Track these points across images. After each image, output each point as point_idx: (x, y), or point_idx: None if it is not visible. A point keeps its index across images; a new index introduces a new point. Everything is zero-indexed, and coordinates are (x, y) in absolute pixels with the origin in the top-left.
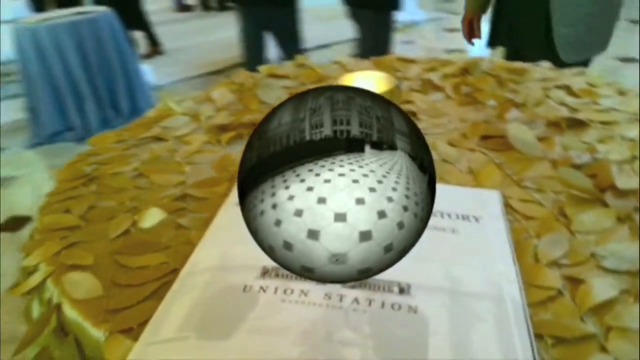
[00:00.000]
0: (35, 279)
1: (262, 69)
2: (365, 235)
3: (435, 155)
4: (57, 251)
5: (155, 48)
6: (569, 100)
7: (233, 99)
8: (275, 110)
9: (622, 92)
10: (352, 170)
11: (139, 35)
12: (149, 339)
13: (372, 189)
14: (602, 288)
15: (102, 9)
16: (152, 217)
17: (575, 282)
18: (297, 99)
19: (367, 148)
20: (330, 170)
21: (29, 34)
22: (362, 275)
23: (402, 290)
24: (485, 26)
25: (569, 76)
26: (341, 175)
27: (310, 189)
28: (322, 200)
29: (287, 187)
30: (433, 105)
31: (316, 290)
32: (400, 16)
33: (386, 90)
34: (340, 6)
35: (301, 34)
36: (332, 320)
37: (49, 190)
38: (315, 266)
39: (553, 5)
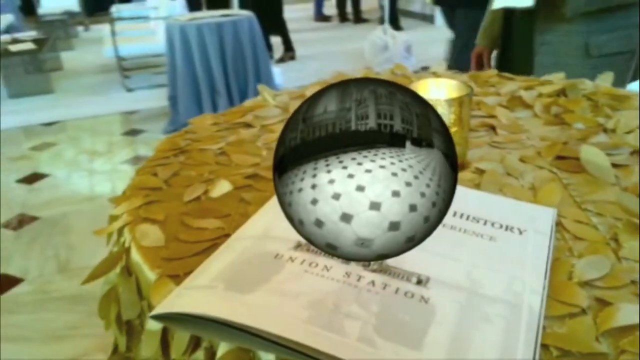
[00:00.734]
0: (116, 225)
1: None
2: (394, 226)
3: (500, 169)
4: (138, 206)
5: (289, 53)
6: None
7: None
8: (320, 97)
9: None
10: (392, 163)
11: (276, 40)
12: (187, 285)
13: (408, 184)
14: (628, 313)
15: (245, 13)
16: (221, 188)
17: (603, 304)
18: (341, 88)
19: (408, 144)
20: (372, 161)
21: (178, 30)
22: (377, 258)
23: (419, 282)
24: None
25: None
26: (382, 167)
27: (351, 176)
28: (360, 188)
29: (329, 171)
30: (515, 122)
31: (338, 268)
32: None
33: (456, 96)
34: None
35: None
36: (343, 295)
37: None
38: (340, 245)
39: None
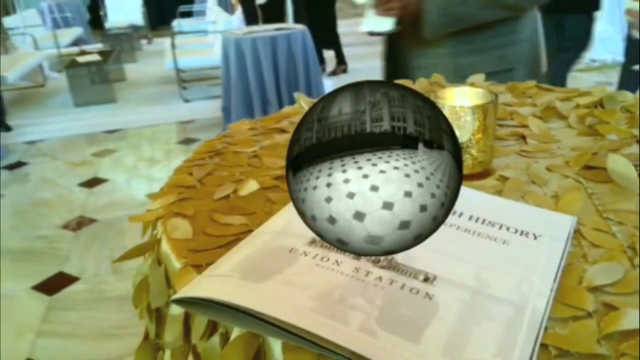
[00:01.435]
0: (150, 217)
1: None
2: (404, 225)
3: (524, 176)
4: (172, 202)
5: (341, 67)
6: None
7: None
8: (334, 98)
9: None
10: (405, 165)
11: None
12: (207, 274)
13: (420, 185)
14: (632, 318)
15: (299, 27)
16: (249, 187)
17: (610, 308)
18: (354, 91)
19: (421, 146)
20: (387, 162)
21: (233, 44)
22: (385, 254)
23: (426, 279)
24: None
25: None
26: (396, 168)
27: (365, 176)
28: (374, 188)
29: (344, 171)
30: (547, 132)
31: (348, 263)
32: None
33: (479, 104)
34: None
35: None
36: (350, 288)
37: None
38: (350, 241)
39: None
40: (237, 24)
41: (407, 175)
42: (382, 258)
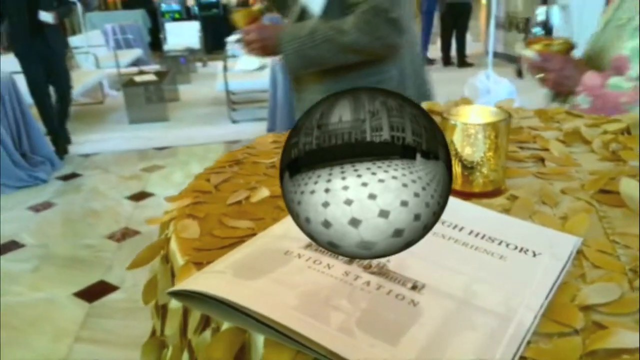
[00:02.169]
0: (165, 218)
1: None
2: (398, 233)
3: (536, 197)
4: (187, 205)
5: None
6: None
7: None
8: (332, 105)
9: None
10: (403, 175)
11: None
12: (205, 270)
13: (416, 194)
14: (620, 337)
15: None
16: (261, 194)
17: (600, 327)
18: (353, 98)
19: (418, 156)
20: (386, 172)
21: (281, 68)
22: (373, 257)
23: (414, 287)
24: None
25: None
26: (394, 178)
27: (364, 184)
28: (372, 197)
29: (343, 178)
30: (568, 156)
31: (340, 267)
32: None
33: (490, 122)
34: None
35: None
36: (337, 290)
37: None
38: (342, 245)
39: None
40: None
41: (405, 185)
42: (373, 264)
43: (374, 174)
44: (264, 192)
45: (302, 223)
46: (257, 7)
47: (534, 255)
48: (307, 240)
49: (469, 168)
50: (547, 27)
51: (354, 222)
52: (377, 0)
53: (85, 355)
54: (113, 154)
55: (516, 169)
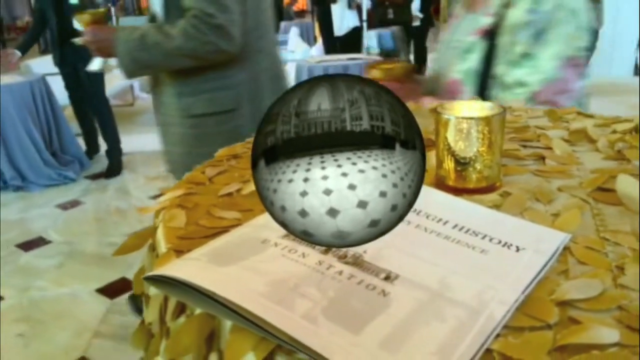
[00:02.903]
0: (154, 208)
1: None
2: (374, 223)
3: (529, 194)
4: (179, 195)
5: None
6: None
7: None
8: (309, 92)
9: None
10: (383, 165)
11: None
12: (182, 257)
13: (394, 185)
14: (594, 333)
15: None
16: (252, 186)
17: (575, 323)
18: (330, 86)
19: (397, 146)
20: (366, 162)
21: (306, 70)
22: (346, 246)
23: (387, 278)
24: None
25: None
26: (374, 168)
27: (344, 174)
28: (352, 187)
29: (323, 168)
30: (571, 154)
31: (314, 256)
32: None
33: (483, 116)
34: None
35: None
36: (307, 278)
37: None
38: (317, 234)
39: None
40: (316, 54)
41: (384, 176)
42: (349, 254)
43: (354, 164)
44: (253, 185)
45: (277, 211)
46: (102, 9)
47: (517, 250)
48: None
49: (462, 164)
50: (386, 50)
51: (332, 212)
52: (202, 5)
53: (104, 351)
54: (141, 155)
55: (515, 166)
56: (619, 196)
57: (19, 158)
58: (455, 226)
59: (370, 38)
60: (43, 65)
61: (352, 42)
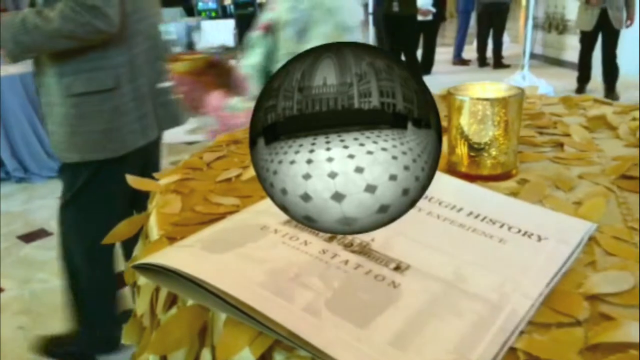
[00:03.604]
0: (152, 195)
1: None
2: (383, 209)
3: (549, 181)
4: (175, 180)
5: None
6: None
7: None
8: (314, 65)
9: None
10: (394, 146)
11: None
12: (175, 245)
13: (406, 167)
14: (631, 330)
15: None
16: (250, 172)
17: (606, 319)
18: (337, 58)
19: (410, 125)
20: (375, 142)
21: None
22: (352, 233)
23: (397, 268)
24: None
25: None
26: (383, 149)
27: (351, 156)
28: (359, 170)
29: (328, 149)
30: (590, 141)
31: (317, 244)
32: None
33: (499, 97)
34: None
35: None
36: (309, 267)
37: None
38: (320, 220)
39: None
40: None
41: (395, 158)
42: (355, 242)
43: (362, 145)
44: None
45: (277, 194)
46: None
47: (539, 239)
48: (286, 215)
49: (476, 149)
50: (190, 43)
51: (337, 197)
52: None
53: None
54: None
55: (532, 153)
56: None
57: (21, 149)
58: (470, 214)
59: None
60: None
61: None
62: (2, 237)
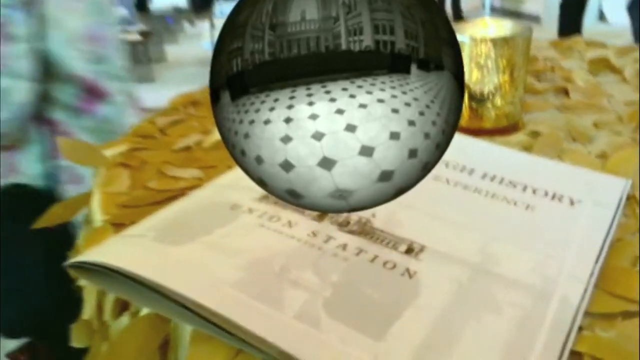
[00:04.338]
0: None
1: None
2: (385, 176)
3: (563, 133)
4: (122, 151)
5: None
6: None
7: None
8: None
9: None
10: (393, 96)
11: None
12: (122, 234)
13: (411, 122)
14: None
15: None
16: (215, 137)
17: None
18: None
19: (414, 68)
20: (369, 93)
21: None
22: (350, 210)
23: (410, 250)
24: None
25: None
26: (380, 101)
27: (340, 111)
28: (351, 128)
29: (310, 103)
30: (596, 86)
31: (304, 225)
32: None
33: (505, 36)
34: None
35: None
36: (299, 257)
37: None
38: (307, 195)
39: None
40: None
41: (395, 111)
42: (352, 220)
43: (352, 96)
44: (216, 135)
45: (250, 164)
46: None
47: (572, 203)
48: (262, 191)
49: (478, 99)
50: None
51: (326, 163)
52: None
53: None
54: None
55: (534, 102)
56: None
57: None
58: (485, 175)
59: None
60: None
61: None
62: None
